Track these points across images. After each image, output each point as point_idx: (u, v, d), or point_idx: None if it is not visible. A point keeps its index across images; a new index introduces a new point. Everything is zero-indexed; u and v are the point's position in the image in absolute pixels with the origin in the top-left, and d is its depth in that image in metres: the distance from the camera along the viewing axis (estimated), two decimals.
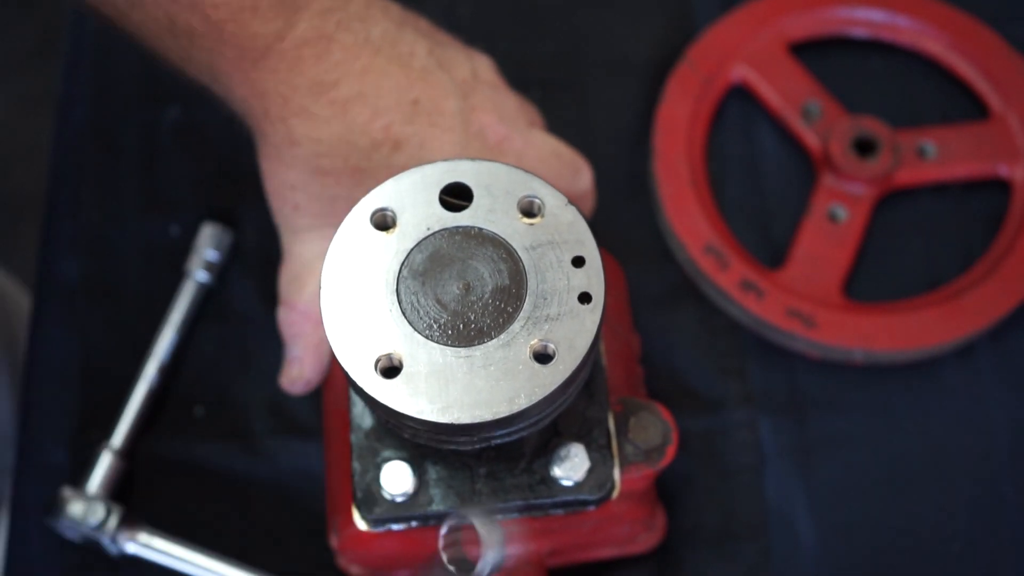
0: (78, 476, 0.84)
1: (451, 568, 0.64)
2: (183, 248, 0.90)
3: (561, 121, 0.86)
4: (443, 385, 0.60)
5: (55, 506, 0.81)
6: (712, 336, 0.90)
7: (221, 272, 0.90)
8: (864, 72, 0.97)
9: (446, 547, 0.65)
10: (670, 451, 0.70)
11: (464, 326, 0.61)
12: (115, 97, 0.97)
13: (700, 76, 0.95)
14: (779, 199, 0.94)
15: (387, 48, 0.74)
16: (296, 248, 0.78)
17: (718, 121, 0.96)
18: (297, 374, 0.79)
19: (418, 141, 0.74)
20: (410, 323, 0.61)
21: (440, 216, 0.64)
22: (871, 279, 0.91)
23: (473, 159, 0.65)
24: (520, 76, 0.85)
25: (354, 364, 0.61)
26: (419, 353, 0.61)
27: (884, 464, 0.86)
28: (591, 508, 0.70)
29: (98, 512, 0.81)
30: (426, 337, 0.61)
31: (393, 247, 0.63)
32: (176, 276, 0.90)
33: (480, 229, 0.63)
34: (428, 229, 0.63)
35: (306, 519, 0.84)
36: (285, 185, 0.76)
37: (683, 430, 0.82)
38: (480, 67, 0.80)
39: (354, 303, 0.62)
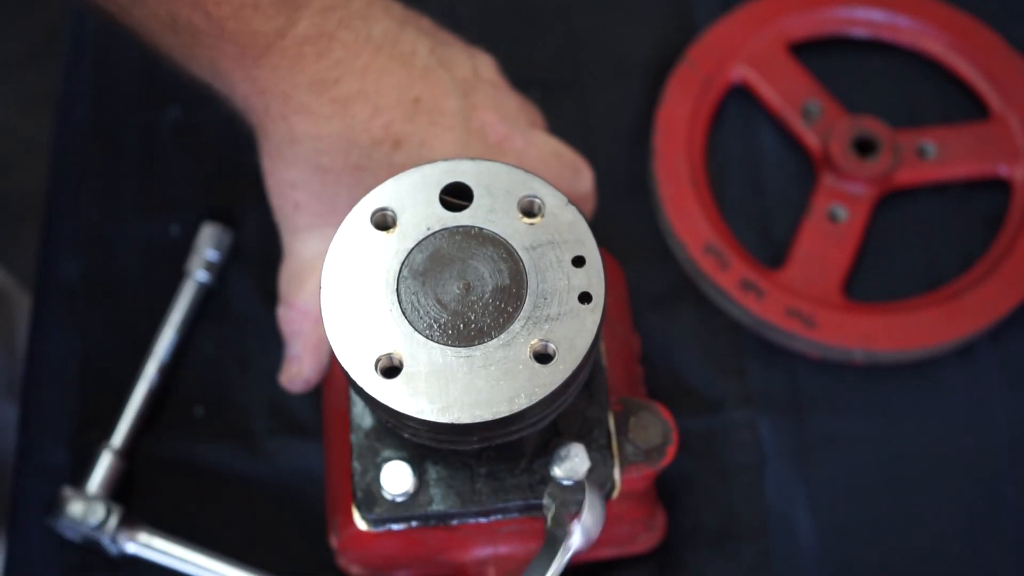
0: (78, 476, 0.84)
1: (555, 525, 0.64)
2: (183, 248, 0.90)
3: (561, 121, 0.86)
4: (443, 385, 0.60)
5: (55, 506, 0.81)
6: (712, 336, 0.90)
7: (221, 272, 0.90)
8: (864, 72, 0.97)
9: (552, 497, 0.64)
10: (670, 451, 0.70)
11: (464, 326, 0.61)
12: (115, 97, 0.97)
13: (700, 76, 0.95)
14: (779, 199, 0.94)
15: (388, 46, 0.74)
16: (296, 247, 0.78)
17: (718, 121, 0.96)
18: (296, 372, 0.79)
19: (418, 139, 0.74)
20: (410, 323, 0.61)
21: (440, 216, 0.63)
22: (871, 279, 0.91)
23: (473, 159, 0.65)
24: (520, 76, 0.85)
25: (354, 364, 0.61)
26: (419, 353, 0.61)
27: (884, 464, 0.86)
28: None
29: (98, 512, 0.81)
30: (426, 337, 0.61)
31: (393, 247, 0.63)
32: (176, 276, 0.90)
33: (480, 229, 0.63)
34: (428, 229, 0.63)
35: (306, 519, 0.84)
36: (286, 183, 0.76)
37: (683, 430, 0.82)
38: (482, 66, 0.80)
39: (354, 303, 0.62)
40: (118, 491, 0.84)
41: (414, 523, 0.69)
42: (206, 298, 0.90)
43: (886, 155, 0.91)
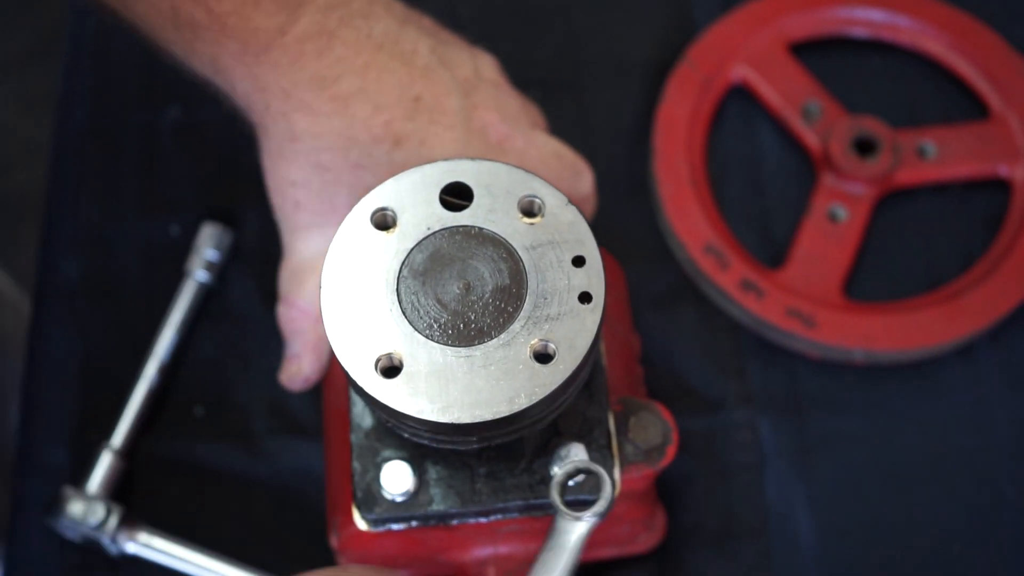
0: (78, 476, 0.84)
1: (567, 508, 0.64)
2: (183, 248, 0.90)
3: (561, 121, 0.86)
4: (443, 385, 0.60)
5: (55, 506, 0.81)
6: (712, 336, 0.90)
7: (221, 272, 0.90)
8: (864, 72, 0.97)
9: (561, 492, 0.64)
10: (670, 451, 0.70)
11: (464, 326, 0.61)
12: (115, 97, 0.97)
13: (700, 76, 0.95)
14: (779, 199, 0.94)
15: (389, 45, 0.74)
16: (296, 245, 0.78)
17: (718, 121, 0.96)
18: (296, 371, 0.79)
19: (419, 138, 0.74)
20: (410, 323, 0.61)
21: (440, 216, 0.64)
22: (871, 279, 0.91)
23: (473, 159, 0.65)
24: (520, 76, 0.85)
25: (354, 364, 0.61)
26: (419, 353, 0.61)
27: (884, 464, 0.86)
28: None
29: (98, 512, 0.81)
30: (426, 337, 0.61)
31: (393, 247, 0.63)
32: (176, 276, 0.90)
33: (480, 229, 0.63)
34: (428, 229, 0.63)
35: (306, 519, 0.84)
36: (286, 181, 0.76)
37: (683, 430, 0.82)
38: (483, 66, 0.80)
39: (354, 303, 0.62)
40: (118, 491, 0.84)
41: (414, 523, 0.69)
42: (206, 298, 0.90)
43: (886, 155, 0.91)
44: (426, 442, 0.64)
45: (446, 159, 0.65)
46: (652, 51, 0.98)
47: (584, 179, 0.81)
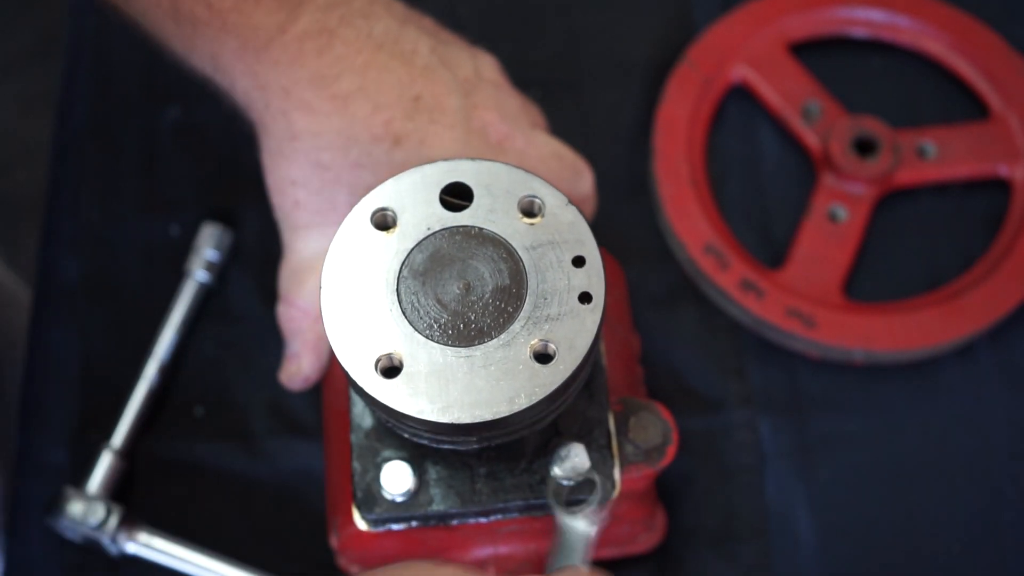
0: (78, 476, 0.84)
1: (562, 504, 0.64)
2: (183, 248, 0.90)
3: (561, 121, 0.86)
4: (443, 385, 0.60)
5: (55, 506, 0.81)
6: (712, 336, 0.90)
7: (221, 272, 0.90)
8: (864, 72, 0.97)
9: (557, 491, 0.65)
10: (670, 451, 0.70)
11: (464, 326, 0.61)
12: (115, 97, 0.97)
13: (700, 76, 0.95)
14: (779, 199, 0.94)
15: (389, 44, 0.74)
16: (296, 245, 0.78)
17: (718, 121, 0.96)
18: (296, 370, 0.79)
19: (419, 137, 0.74)
20: (410, 323, 0.61)
21: (440, 216, 0.64)
22: (871, 279, 0.91)
23: (473, 159, 0.65)
24: (520, 76, 0.85)
25: (354, 364, 0.61)
26: (419, 353, 0.61)
27: (884, 464, 0.86)
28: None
29: (98, 512, 0.81)
30: (426, 337, 0.61)
31: (393, 247, 0.63)
32: (176, 276, 0.90)
33: (480, 229, 0.63)
34: (428, 229, 0.63)
35: (306, 519, 0.84)
36: (286, 181, 0.76)
37: (683, 430, 0.82)
38: (483, 66, 0.80)
39: (354, 303, 0.62)
40: (118, 491, 0.84)
41: (414, 523, 0.69)
42: (206, 298, 0.90)
43: (886, 155, 0.91)
44: (426, 442, 0.64)
45: (446, 159, 0.65)
46: (652, 51, 0.98)
47: (584, 179, 0.81)
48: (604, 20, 0.99)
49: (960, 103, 0.96)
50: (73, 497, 0.81)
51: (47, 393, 0.88)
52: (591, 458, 0.68)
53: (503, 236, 0.63)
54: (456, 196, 0.64)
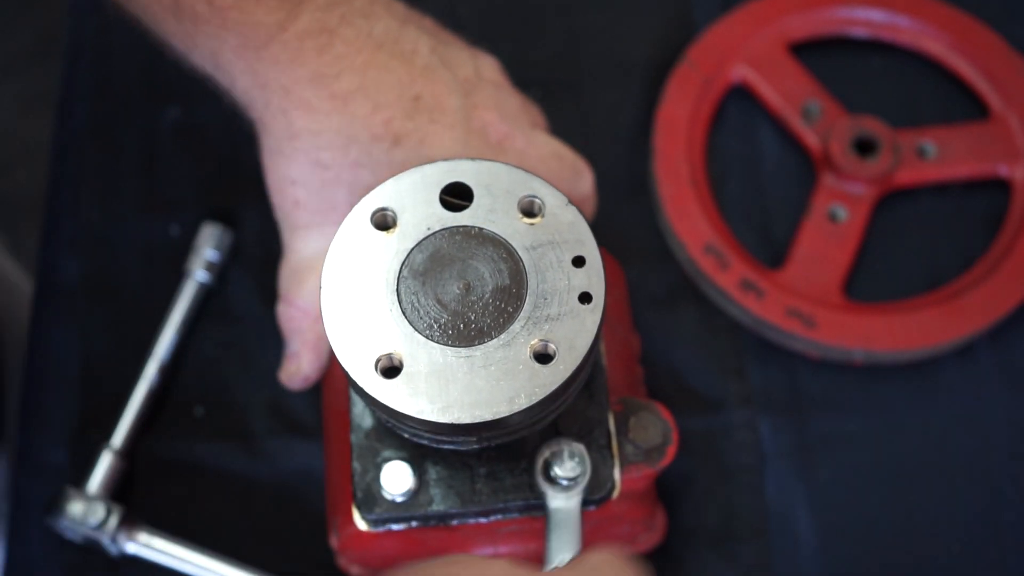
0: (78, 476, 0.84)
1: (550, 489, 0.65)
2: (183, 248, 0.90)
3: (561, 121, 0.86)
4: (443, 385, 0.60)
5: (55, 506, 0.81)
6: (712, 336, 0.90)
7: (221, 272, 0.90)
8: (864, 72, 0.97)
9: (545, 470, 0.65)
10: (670, 451, 0.70)
11: (464, 326, 0.61)
12: (115, 97, 0.97)
13: (700, 76, 0.95)
14: (779, 199, 0.94)
15: (389, 44, 0.74)
16: (296, 244, 0.78)
17: (718, 121, 0.96)
18: (295, 370, 0.80)
19: (418, 137, 0.74)
20: (410, 323, 0.61)
21: (440, 216, 0.64)
22: (871, 279, 0.91)
23: (473, 159, 0.65)
24: (520, 76, 0.85)
25: (354, 364, 0.61)
26: (419, 353, 0.61)
27: (884, 464, 0.86)
28: (591, 508, 0.70)
29: (98, 512, 0.81)
30: (426, 337, 0.61)
31: (393, 247, 0.63)
32: (176, 276, 0.90)
33: (480, 229, 0.63)
34: (428, 229, 0.63)
35: (306, 519, 0.84)
36: (286, 180, 0.76)
37: (683, 430, 0.82)
38: (484, 66, 0.80)
39: (354, 303, 0.62)
40: (118, 491, 0.84)
41: (414, 523, 0.69)
42: (206, 298, 0.90)
43: (886, 155, 0.91)
44: (426, 442, 0.64)
45: (446, 159, 0.65)
46: (652, 51, 0.98)
47: (584, 179, 0.81)
48: (604, 20, 0.99)
49: (960, 103, 0.96)
50: (73, 497, 0.81)
51: (47, 393, 0.88)
52: (591, 458, 0.68)
53: (503, 236, 0.63)
54: (456, 196, 0.64)
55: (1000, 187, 0.93)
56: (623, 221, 0.92)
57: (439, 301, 0.62)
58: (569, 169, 0.80)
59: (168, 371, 0.87)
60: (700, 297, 0.90)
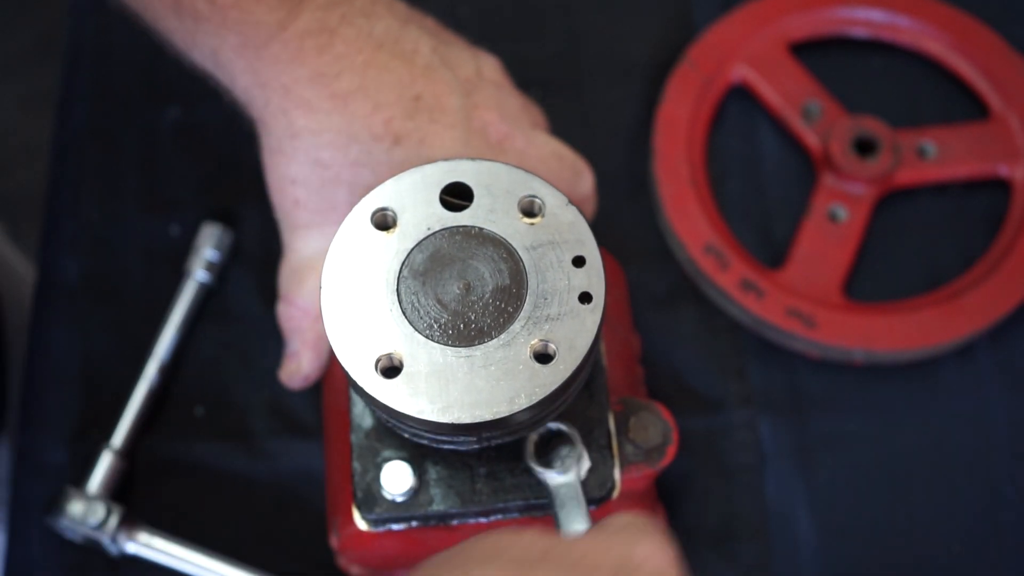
0: (78, 476, 0.84)
1: (545, 472, 0.65)
2: (183, 248, 0.90)
3: (561, 121, 0.86)
4: (443, 385, 0.60)
5: (55, 506, 0.81)
6: (712, 336, 0.90)
7: (221, 272, 0.90)
8: (864, 72, 0.97)
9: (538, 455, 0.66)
10: (670, 451, 0.70)
11: (464, 326, 0.61)
12: (115, 97, 0.97)
13: (700, 76, 0.95)
14: (779, 199, 0.94)
15: (390, 44, 0.74)
16: (296, 244, 0.78)
17: (718, 121, 0.96)
18: (295, 369, 0.80)
19: (419, 137, 0.74)
20: (410, 323, 0.61)
21: (440, 216, 0.64)
22: (871, 279, 0.91)
23: (474, 159, 0.65)
24: (520, 76, 0.85)
25: (354, 364, 0.61)
26: (419, 353, 0.61)
27: (884, 464, 0.86)
28: (591, 508, 0.70)
29: (98, 512, 0.81)
30: (426, 337, 0.61)
31: (393, 247, 0.63)
32: (176, 276, 0.90)
33: (480, 229, 0.63)
34: (428, 229, 0.63)
35: (306, 519, 0.84)
36: (286, 179, 0.76)
37: (683, 430, 0.81)
38: (485, 66, 0.80)
39: (354, 303, 0.62)
40: (118, 491, 0.84)
41: (414, 523, 0.69)
42: (206, 298, 0.90)
43: (886, 155, 0.91)
44: (426, 442, 0.64)
45: (446, 159, 0.65)
46: (652, 51, 0.98)
47: (584, 179, 0.81)
48: (604, 20, 0.99)
49: (960, 103, 0.96)
50: (73, 497, 0.81)
51: (47, 393, 0.88)
52: (591, 458, 0.68)
53: (503, 236, 0.63)
54: (456, 196, 0.64)
55: (1000, 187, 0.93)
56: (623, 221, 0.92)
57: (439, 301, 0.62)
58: (569, 169, 0.80)
59: (168, 371, 0.87)
60: (700, 297, 0.90)
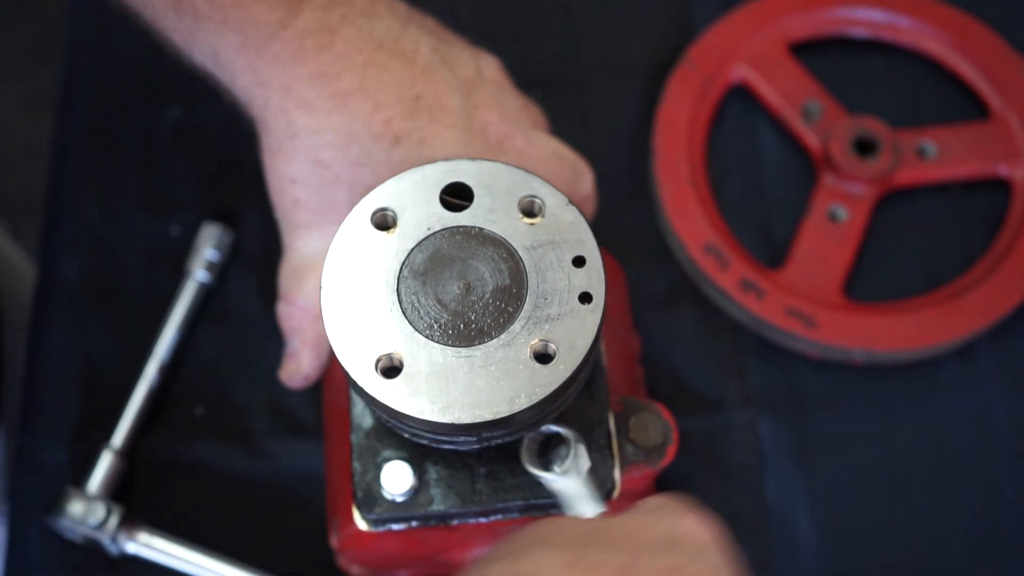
0: (78, 476, 0.84)
1: (540, 468, 0.65)
2: (183, 248, 0.90)
3: (561, 121, 0.86)
4: (443, 385, 0.60)
5: (55, 506, 0.81)
6: (712, 336, 0.90)
7: (221, 272, 0.90)
8: (864, 72, 0.97)
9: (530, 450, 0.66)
10: (670, 451, 0.70)
11: (464, 326, 0.61)
12: (115, 97, 0.97)
13: (700, 76, 0.95)
14: (779, 199, 0.94)
15: (390, 44, 0.74)
16: (296, 244, 0.78)
17: (718, 121, 0.96)
18: (295, 368, 0.80)
19: (419, 136, 0.74)
20: (410, 323, 0.61)
21: (441, 216, 0.64)
22: (871, 279, 0.91)
23: (474, 159, 0.65)
24: (520, 76, 0.85)
25: (355, 364, 0.61)
26: (419, 353, 0.61)
27: (884, 464, 0.86)
28: None
29: (98, 512, 0.81)
30: (427, 337, 0.61)
31: (394, 247, 0.63)
32: (176, 276, 0.90)
33: (481, 229, 0.63)
34: (429, 229, 0.63)
35: (306, 519, 0.84)
36: (286, 179, 0.76)
37: (683, 430, 0.81)
38: (485, 66, 0.80)
39: (355, 303, 0.62)
40: (118, 491, 0.84)
41: (414, 523, 0.69)
42: (206, 298, 0.90)
43: (886, 155, 0.91)
44: (426, 442, 0.64)
45: (446, 159, 0.65)
46: (652, 51, 0.98)
47: (584, 179, 0.81)
48: (604, 20, 0.99)
49: (960, 103, 0.96)
50: (73, 497, 0.81)
51: (47, 393, 0.88)
52: (591, 458, 0.68)
53: (503, 236, 0.63)
54: (456, 196, 0.64)
55: (1000, 187, 0.93)
56: (623, 221, 0.92)
57: (439, 301, 0.62)
58: (569, 169, 0.79)
59: (168, 371, 0.87)
60: (700, 297, 0.90)
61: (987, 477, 0.86)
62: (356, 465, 0.69)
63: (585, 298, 0.62)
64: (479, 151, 0.75)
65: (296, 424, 0.86)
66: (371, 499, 0.68)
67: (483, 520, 0.70)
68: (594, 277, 0.62)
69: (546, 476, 0.65)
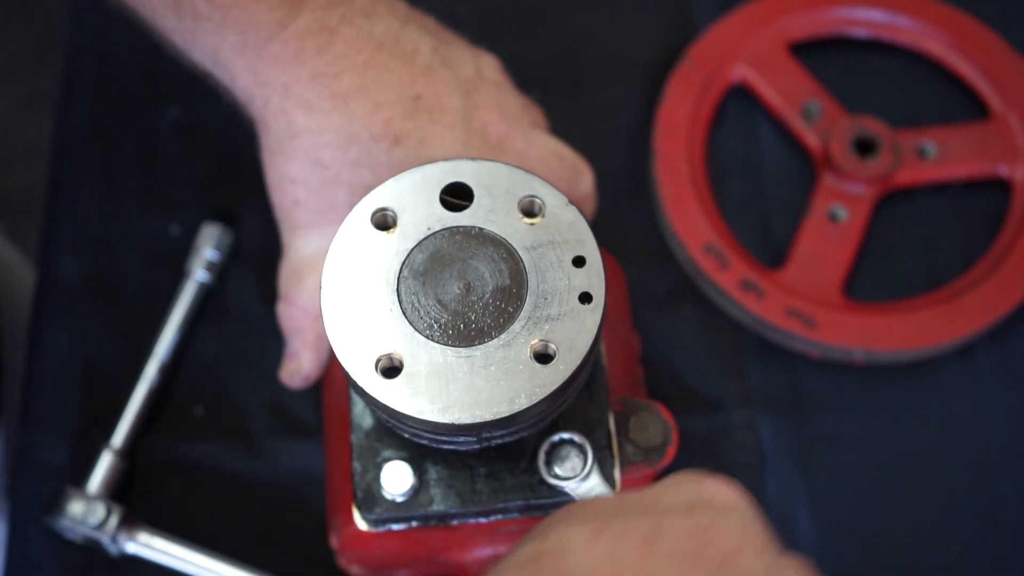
0: (78, 476, 0.84)
1: (557, 478, 0.66)
2: (183, 248, 0.90)
3: (561, 121, 0.86)
4: (443, 385, 0.60)
5: (55, 506, 0.81)
6: (712, 336, 0.90)
7: (221, 272, 0.90)
8: (864, 72, 0.97)
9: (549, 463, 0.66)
10: (670, 451, 0.70)
11: (464, 326, 0.61)
12: (115, 97, 0.97)
13: (700, 76, 0.95)
14: (779, 199, 0.94)
15: (390, 44, 0.74)
16: (296, 244, 0.78)
17: (718, 121, 0.96)
18: (296, 369, 0.80)
19: (418, 136, 0.74)
20: (410, 323, 0.61)
21: (441, 216, 0.64)
22: (871, 279, 0.91)
23: (474, 159, 0.65)
24: (520, 76, 0.85)
25: (355, 364, 0.61)
26: (419, 353, 0.61)
27: (884, 464, 0.86)
28: None
29: (98, 512, 0.81)
30: (427, 337, 0.61)
31: (393, 247, 0.63)
32: (176, 276, 0.90)
33: (481, 229, 0.63)
34: (428, 229, 0.63)
35: (306, 519, 0.84)
36: (285, 179, 0.76)
37: (683, 430, 0.81)
38: (485, 66, 0.80)
39: (355, 303, 0.62)
40: (118, 491, 0.84)
41: (414, 523, 0.69)
42: (206, 298, 0.90)
43: (886, 155, 0.91)
44: (426, 442, 0.64)
45: (446, 159, 0.65)
46: (652, 51, 0.98)
47: (584, 179, 0.81)
48: (604, 20, 0.99)
49: (960, 103, 0.96)
50: (73, 497, 0.81)
51: (47, 393, 0.88)
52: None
53: (503, 236, 0.63)
54: (456, 196, 0.64)
55: (1000, 187, 0.93)
56: (623, 221, 0.92)
57: (439, 301, 0.62)
58: (569, 169, 0.80)
59: (168, 371, 0.87)
60: (700, 297, 0.90)
61: (987, 477, 0.86)
62: (356, 465, 0.69)
63: (585, 298, 0.62)
64: (479, 151, 0.75)
65: (296, 424, 0.86)
66: (371, 499, 0.68)
67: (483, 520, 0.70)
68: (594, 277, 0.62)
69: (568, 485, 0.65)
